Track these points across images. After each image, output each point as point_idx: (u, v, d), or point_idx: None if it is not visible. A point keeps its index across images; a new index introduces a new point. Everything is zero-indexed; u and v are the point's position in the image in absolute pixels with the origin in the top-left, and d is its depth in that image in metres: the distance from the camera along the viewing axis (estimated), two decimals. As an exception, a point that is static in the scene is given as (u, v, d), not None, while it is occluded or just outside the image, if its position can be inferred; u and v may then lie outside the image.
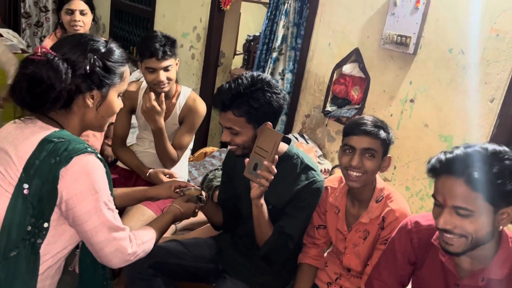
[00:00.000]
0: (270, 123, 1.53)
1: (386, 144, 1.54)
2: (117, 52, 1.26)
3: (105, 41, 1.27)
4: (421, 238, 1.34)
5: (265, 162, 1.44)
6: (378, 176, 1.62)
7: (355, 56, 2.73)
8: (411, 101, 2.49)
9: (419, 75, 2.44)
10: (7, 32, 4.24)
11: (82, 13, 2.58)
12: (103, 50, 1.22)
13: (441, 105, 2.36)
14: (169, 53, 2.02)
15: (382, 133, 1.52)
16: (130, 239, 1.26)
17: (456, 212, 1.11)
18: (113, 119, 1.37)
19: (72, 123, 1.23)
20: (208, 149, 3.05)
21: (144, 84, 2.24)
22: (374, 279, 1.46)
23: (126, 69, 1.28)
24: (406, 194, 2.53)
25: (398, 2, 2.40)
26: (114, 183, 2.23)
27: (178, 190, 1.64)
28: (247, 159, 1.50)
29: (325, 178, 2.75)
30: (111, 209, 1.21)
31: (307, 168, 1.63)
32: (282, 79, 3.25)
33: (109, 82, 1.23)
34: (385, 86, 2.60)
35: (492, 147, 1.13)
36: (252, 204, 1.55)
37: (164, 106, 2.01)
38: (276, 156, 1.46)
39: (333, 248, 1.76)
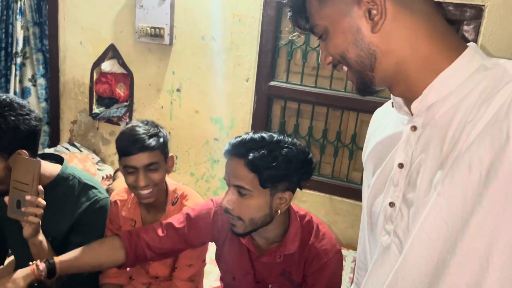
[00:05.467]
0: (24, 151, 1.29)
1: (164, 148, 1.48)
2: None
3: None
4: (224, 220, 1.38)
5: (28, 197, 1.23)
6: (168, 178, 1.59)
7: (112, 52, 2.60)
8: (178, 90, 2.54)
9: (180, 64, 2.49)
10: None
11: None
12: None
13: (205, 90, 2.47)
14: None
15: (158, 141, 1.43)
16: None
17: (237, 192, 1.17)
18: None
19: None
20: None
21: None
22: None
23: None
24: (192, 180, 2.61)
25: (144, -6, 2.37)
26: None
27: None
28: (7, 197, 1.26)
29: (109, 184, 2.62)
30: None
31: (87, 187, 1.48)
32: (34, 85, 2.87)
33: None
34: (149, 80, 2.57)
35: (276, 136, 1.19)
36: (29, 244, 1.33)
37: None
38: (40, 187, 1.26)
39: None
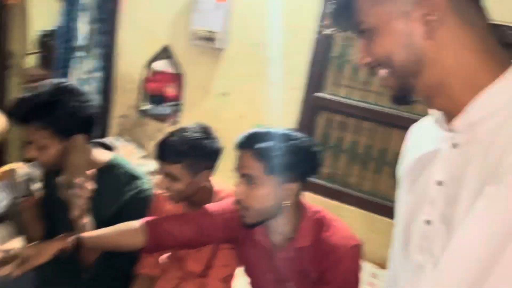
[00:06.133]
0: (80, 135, 1.38)
1: (194, 164, 1.47)
2: None
3: None
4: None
5: (78, 180, 1.30)
6: (213, 179, 1.61)
7: (166, 52, 2.69)
8: (226, 94, 2.58)
9: (231, 69, 2.54)
10: None
11: None
12: None
13: (253, 96, 2.51)
14: None
15: (181, 156, 1.44)
16: None
17: (246, 182, 1.22)
18: None
19: None
20: (16, 165, 2.61)
21: None
22: None
23: None
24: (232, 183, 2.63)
25: (202, -2, 2.44)
26: None
27: None
28: (61, 177, 1.34)
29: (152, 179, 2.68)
30: None
31: (133, 177, 1.54)
32: (91, 78, 3.00)
33: None
34: (199, 81, 2.64)
35: (286, 130, 1.28)
36: (75, 225, 1.39)
37: None
38: (91, 170, 1.34)
39: (172, 253, 1.71)
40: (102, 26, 2.91)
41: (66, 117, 1.34)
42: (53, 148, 1.36)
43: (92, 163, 1.46)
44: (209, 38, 2.49)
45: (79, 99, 1.39)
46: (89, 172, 1.33)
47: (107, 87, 2.94)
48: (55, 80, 1.42)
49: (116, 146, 2.51)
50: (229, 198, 1.54)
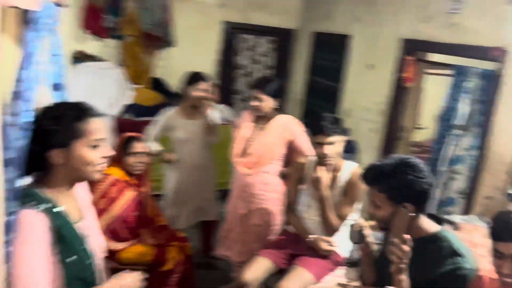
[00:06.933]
0: (410, 205, 1.58)
1: None
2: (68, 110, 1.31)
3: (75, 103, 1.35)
4: None
5: (395, 240, 1.50)
6: None
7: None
8: None
9: None
10: (222, 108, 5.16)
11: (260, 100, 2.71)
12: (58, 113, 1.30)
13: None
14: (334, 130, 2.26)
15: None
16: None
17: None
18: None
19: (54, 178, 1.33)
20: (362, 219, 3.07)
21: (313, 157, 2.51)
22: None
23: (89, 122, 1.32)
24: None
25: None
26: (281, 244, 2.52)
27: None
28: (389, 235, 1.58)
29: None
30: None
31: (455, 254, 1.59)
32: (466, 156, 3.11)
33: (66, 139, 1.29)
34: None
35: None
36: (393, 279, 1.60)
37: (328, 178, 2.23)
38: (408, 236, 1.50)
39: None
40: (482, 107, 3.00)
41: (401, 187, 1.59)
42: (385, 210, 1.64)
43: (417, 230, 1.64)
44: None
45: (417, 175, 1.60)
46: (407, 237, 1.52)
47: (478, 166, 2.97)
48: (404, 155, 1.70)
49: (468, 227, 2.53)
50: None
